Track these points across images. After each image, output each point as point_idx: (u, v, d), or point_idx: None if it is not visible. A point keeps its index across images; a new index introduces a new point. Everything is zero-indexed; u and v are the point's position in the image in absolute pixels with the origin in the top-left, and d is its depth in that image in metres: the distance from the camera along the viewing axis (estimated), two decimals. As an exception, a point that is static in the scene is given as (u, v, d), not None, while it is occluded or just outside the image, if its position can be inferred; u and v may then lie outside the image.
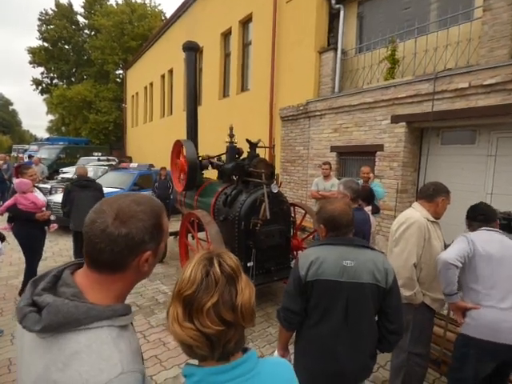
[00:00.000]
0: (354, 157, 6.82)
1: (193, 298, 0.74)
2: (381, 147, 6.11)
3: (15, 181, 3.95)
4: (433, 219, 2.27)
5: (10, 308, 3.87)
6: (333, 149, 7.10)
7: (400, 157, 5.85)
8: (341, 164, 7.14)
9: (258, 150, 4.42)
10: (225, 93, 11.63)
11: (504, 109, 4.46)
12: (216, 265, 0.78)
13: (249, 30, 10.38)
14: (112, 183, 8.40)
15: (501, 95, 4.50)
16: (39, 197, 4.04)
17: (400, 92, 5.72)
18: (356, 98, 6.47)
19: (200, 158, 5.10)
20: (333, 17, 7.63)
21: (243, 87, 10.71)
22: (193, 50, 5.44)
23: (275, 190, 3.87)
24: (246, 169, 4.11)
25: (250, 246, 3.75)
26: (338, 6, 7.21)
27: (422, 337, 2.25)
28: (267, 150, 5.31)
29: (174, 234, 5.67)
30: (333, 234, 1.73)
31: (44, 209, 4.13)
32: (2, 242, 3.17)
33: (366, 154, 6.46)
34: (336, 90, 7.23)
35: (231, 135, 4.62)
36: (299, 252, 4.67)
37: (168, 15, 19.02)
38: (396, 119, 5.84)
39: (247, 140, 4.28)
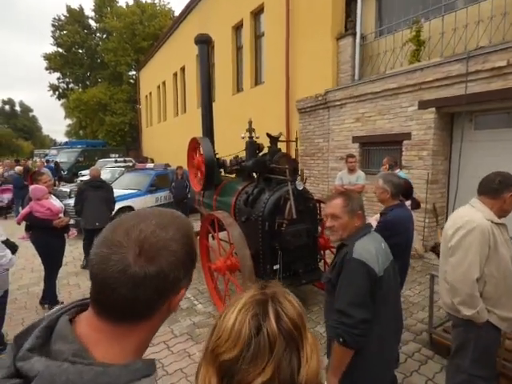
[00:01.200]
0: (378, 147, 6.44)
1: (235, 368, 0.51)
2: (408, 135, 5.74)
3: (30, 188, 3.85)
4: (498, 221, 1.85)
5: (32, 318, 3.78)
6: (355, 139, 6.75)
7: (429, 145, 5.47)
8: (364, 155, 6.78)
9: (278, 145, 4.16)
10: (238, 87, 11.37)
11: (549, 87, 4.04)
12: (272, 316, 0.54)
13: (261, 22, 10.07)
14: (129, 184, 8.32)
15: (545, 72, 4.08)
16: (55, 203, 3.92)
17: (427, 75, 5.32)
18: (378, 84, 6.10)
19: (217, 156, 4.89)
20: (349, 0, 7.23)
21: (257, 81, 10.42)
22: (205, 43, 5.23)
23: (300, 187, 3.60)
24: (267, 165, 3.83)
25: (276, 247, 3.49)
26: (355, -12, 6.83)
27: (486, 358, 1.88)
28: (287, 144, 5.04)
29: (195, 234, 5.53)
30: (364, 220, 1.72)
31: (61, 215, 4.02)
32: (15, 252, 3.04)
33: (392, 143, 6.10)
34: (356, 77, 6.87)
35: (250, 130, 4.36)
36: (327, 252, 4.41)
37: (177, 14, 18.82)
38: (424, 105, 5.44)
39: (268, 134, 4.01)
